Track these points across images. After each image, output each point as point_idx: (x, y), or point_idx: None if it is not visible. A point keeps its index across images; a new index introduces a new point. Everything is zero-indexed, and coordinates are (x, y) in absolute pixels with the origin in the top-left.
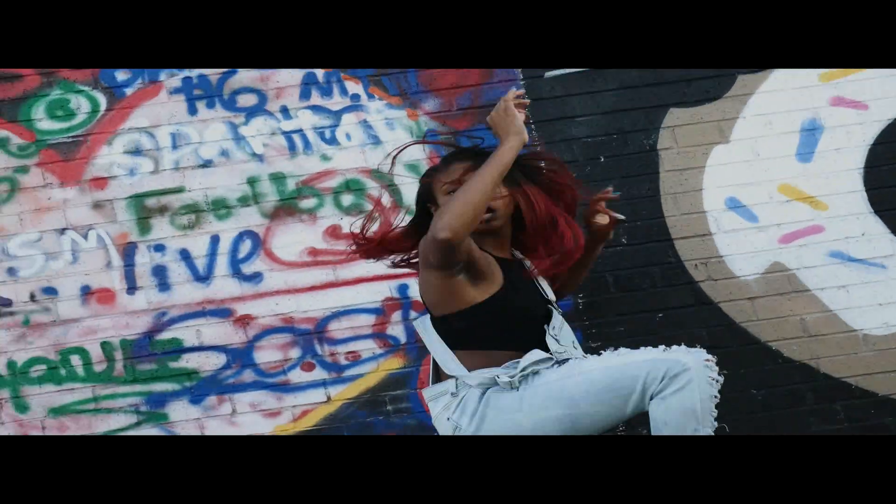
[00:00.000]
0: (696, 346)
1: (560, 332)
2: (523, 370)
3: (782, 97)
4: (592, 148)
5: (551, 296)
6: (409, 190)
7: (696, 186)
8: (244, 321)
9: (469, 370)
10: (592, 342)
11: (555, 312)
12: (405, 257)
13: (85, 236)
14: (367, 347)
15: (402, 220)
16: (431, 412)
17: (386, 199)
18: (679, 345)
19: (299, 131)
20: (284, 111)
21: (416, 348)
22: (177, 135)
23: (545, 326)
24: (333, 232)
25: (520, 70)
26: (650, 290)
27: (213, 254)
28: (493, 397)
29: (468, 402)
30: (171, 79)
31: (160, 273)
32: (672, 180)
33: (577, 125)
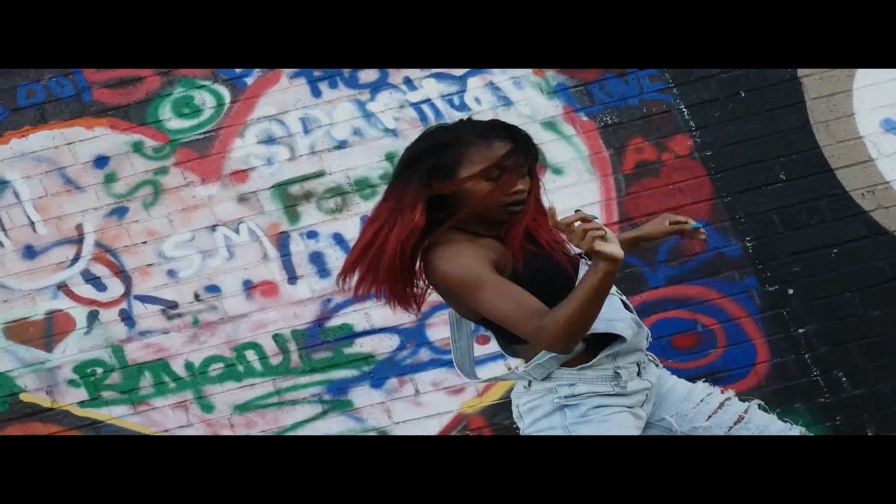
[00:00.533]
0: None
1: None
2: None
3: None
4: (730, 83)
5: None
6: (551, 149)
7: (847, 111)
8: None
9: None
10: (769, 286)
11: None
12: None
13: (236, 230)
14: None
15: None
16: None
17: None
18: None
19: (427, 101)
20: (408, 82)
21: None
22: (306, 119)
23: None
24: None
25: None
26: (819, 225)
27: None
28: None
29: None
30: None
31: (317, 260)
32: (820, 108)
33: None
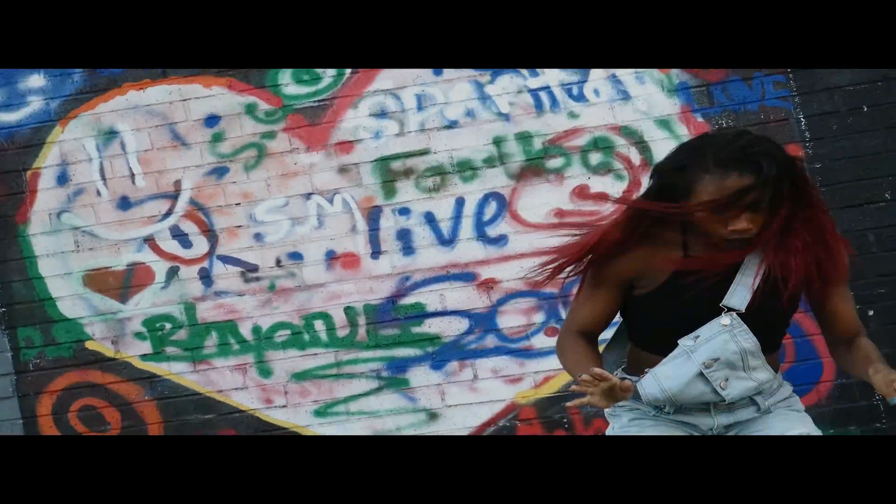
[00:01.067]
0: None
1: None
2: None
3: None
4: (853, 96)
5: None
6: (661, 147)
7: None
8: (488, 285)
9: None
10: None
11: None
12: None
13: (331, 201)
14: None
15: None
16: None
17: (636, 158)
18: None
19: (546, 88)
20: (532, 69)
21: None
22: (422, 96)
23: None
24: (581, 192)
25: None
26: None
27: (457, 216)
28: None
29: None
30: None
31: (405, 237)
32: None
33: (838, 72)
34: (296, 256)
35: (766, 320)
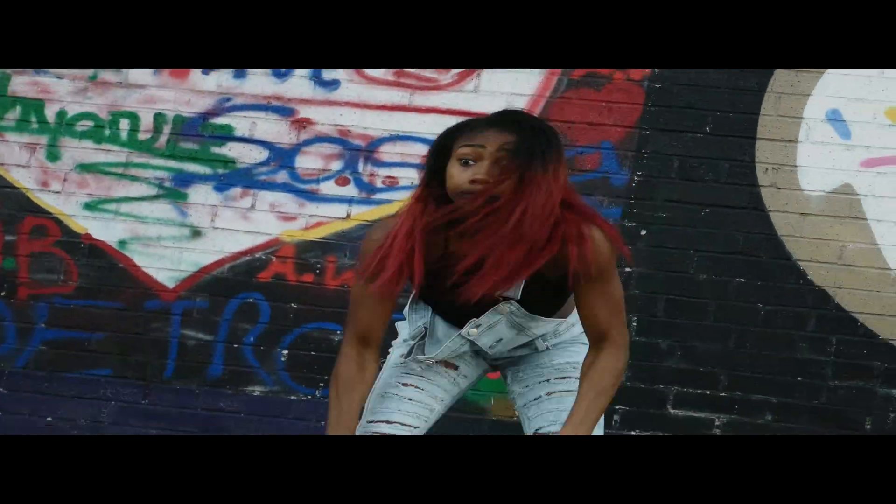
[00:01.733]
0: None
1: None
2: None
3: None
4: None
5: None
6: None
7: (806, 91)
8: (302, 123)
9: None
10: (632, 222)
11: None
12: None
13: None
14: (408, 176)
15: None
16: None
17: None
18: None
19: None
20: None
21: None
22: None
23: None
24: None
25: None
26: (712, 183)
27: None
28: None
29: None
30: None
31: None
32: (784, 79)
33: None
34: None
35: (544, 293)
